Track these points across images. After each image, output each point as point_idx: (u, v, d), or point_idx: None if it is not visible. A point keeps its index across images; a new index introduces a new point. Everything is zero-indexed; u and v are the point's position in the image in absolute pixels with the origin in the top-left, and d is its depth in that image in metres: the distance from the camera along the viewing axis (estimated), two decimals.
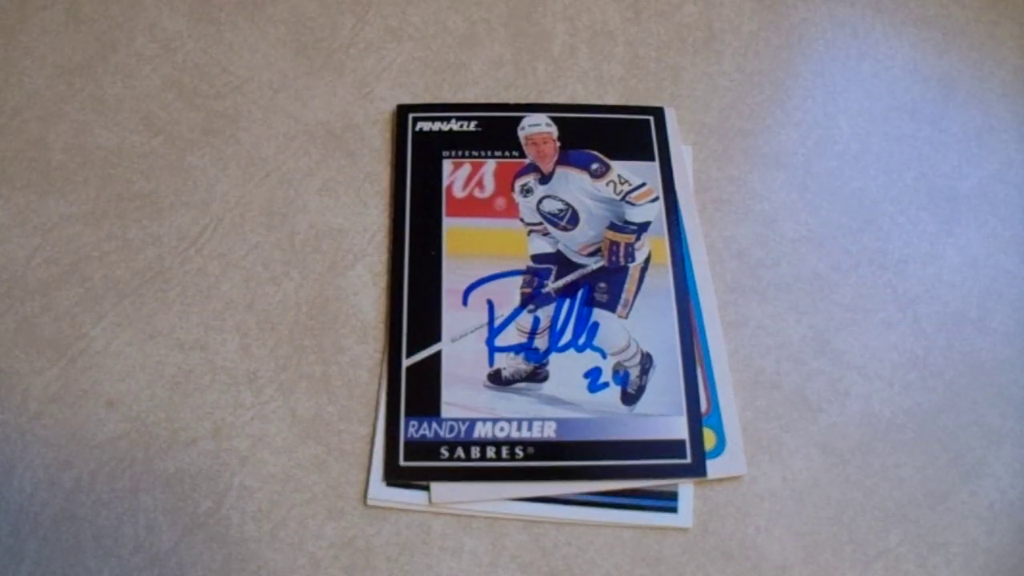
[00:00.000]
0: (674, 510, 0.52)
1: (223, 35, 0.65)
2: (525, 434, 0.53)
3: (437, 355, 0.54)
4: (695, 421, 0.53)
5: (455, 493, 0.52)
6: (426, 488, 0.52)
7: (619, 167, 0.59)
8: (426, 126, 0.61)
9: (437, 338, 0.55)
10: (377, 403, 0.54)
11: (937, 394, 0.56)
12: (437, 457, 0.52)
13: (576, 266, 0.57)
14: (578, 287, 0.56)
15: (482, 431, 0.53)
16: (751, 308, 0.58)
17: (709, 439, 0.53)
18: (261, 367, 0.55)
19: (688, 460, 0.52)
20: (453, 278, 0.56)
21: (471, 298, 0.56)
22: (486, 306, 0.56)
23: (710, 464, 0.53)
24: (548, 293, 0.56)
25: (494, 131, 0.60)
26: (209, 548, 0.51)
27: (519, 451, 0.52)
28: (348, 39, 0.65)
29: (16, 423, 0.54)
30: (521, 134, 0.60)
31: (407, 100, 0.62)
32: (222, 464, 0.53)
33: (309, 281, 0.58)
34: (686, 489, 0.53)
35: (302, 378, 0.55)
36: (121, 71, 0.63)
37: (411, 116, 0.61)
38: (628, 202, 0.58)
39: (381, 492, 0.52)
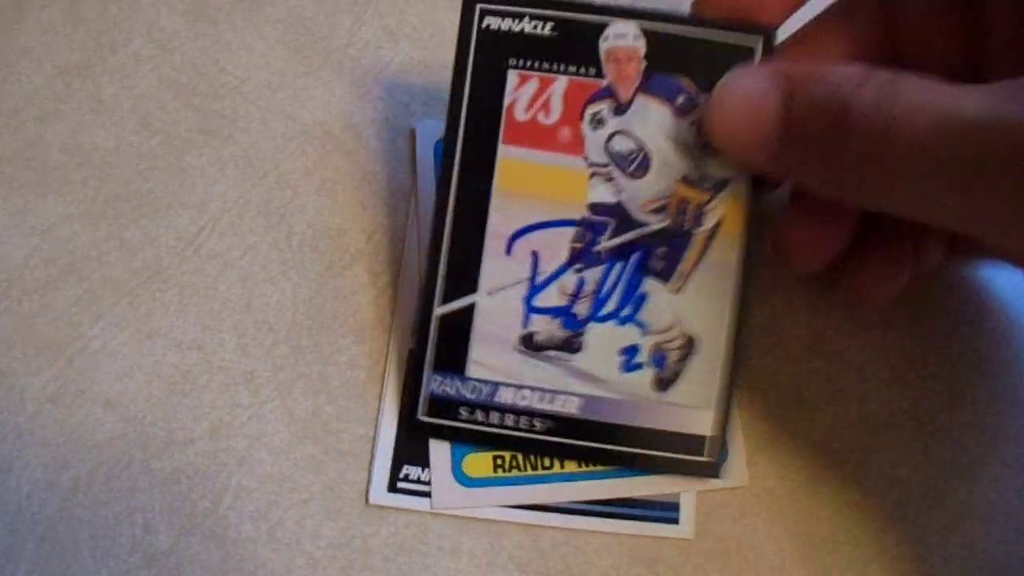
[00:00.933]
0: (675, 520, 0.52)
1: (221, 35, 0.65)
2: (547, 406, 0.50)
3: (471, 308, 0.50)
4: (723, 418, 0.50)
5: (454, 501, 0.52)
6: (427, 495, 0.52)
7: None
8: (494, 23, 0.51)
9: (473, 288, 0.50)
10: (380, 402, 0.54)
11: (935, 394, 0.56)
12: (456, 416, 0.51)
13: (636, 224, 0.50)
14: (633, 249, 0.50)
15: (505, 396, 0.51)
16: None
17: None
18: (258, 367, 0.55)
19: (705, 458, 0.50)
20: (500, 219, 0.50)
21: (516, 246, 0.50)
22: (530, 258, 0.50)
23: None
24: (599, 252, 0.51)
25: (572, 38, 0.51)
26: (206, 548, 0.51)
27: (537, 423, 0.50)
28: (346, 39, 0.65)
29: (14, 423, 0.54)
30: (603, 45, 0.50)
31: (404, 100, 0.62)
32: (219, 464, 0.53)
33: (307, 281, 0.58)
34: (688, 497, 0.52)
35: (299, 378, 0.55)
36: (119, 71, 0.63)
37: (479, 8, 0.51)
38: (710, 152, 0.49)
39: (383, 499, 0.52)
